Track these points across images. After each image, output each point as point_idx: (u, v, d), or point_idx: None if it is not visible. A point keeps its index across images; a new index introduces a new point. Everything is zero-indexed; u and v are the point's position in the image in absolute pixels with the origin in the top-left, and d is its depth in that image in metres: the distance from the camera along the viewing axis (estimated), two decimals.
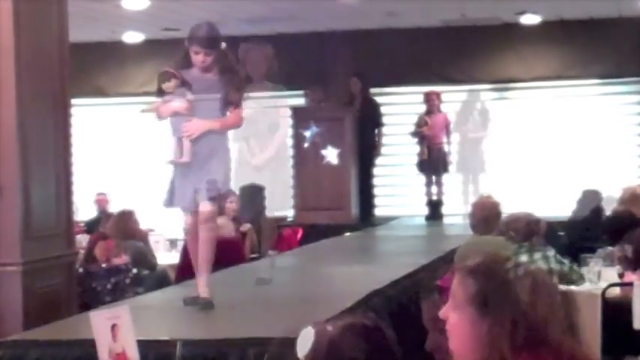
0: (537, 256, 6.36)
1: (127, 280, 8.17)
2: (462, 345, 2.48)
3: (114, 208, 11.80)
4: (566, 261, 6.79)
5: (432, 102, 12.43)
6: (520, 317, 2.43)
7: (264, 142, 14.57)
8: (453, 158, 12.97)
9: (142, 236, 10.04)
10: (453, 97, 13.93)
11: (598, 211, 9.78)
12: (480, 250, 6.40)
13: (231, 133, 5.61)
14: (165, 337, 4.42)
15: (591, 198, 10.18)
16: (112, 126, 14.72)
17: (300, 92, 13.87)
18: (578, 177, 13.10)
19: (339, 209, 12.18)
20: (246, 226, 10.61)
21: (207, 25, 5.33)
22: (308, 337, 2.65)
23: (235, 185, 12.24)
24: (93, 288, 7.83)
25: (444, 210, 12.62)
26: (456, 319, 2.50)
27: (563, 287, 6.82)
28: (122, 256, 8.35)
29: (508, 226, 6.66)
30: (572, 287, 6.85)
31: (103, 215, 11.57)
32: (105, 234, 8.78)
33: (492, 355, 2.42)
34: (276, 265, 6.92)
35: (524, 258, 6.22)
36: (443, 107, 12.75)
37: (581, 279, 6.80)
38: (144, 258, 9.30)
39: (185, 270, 9.21)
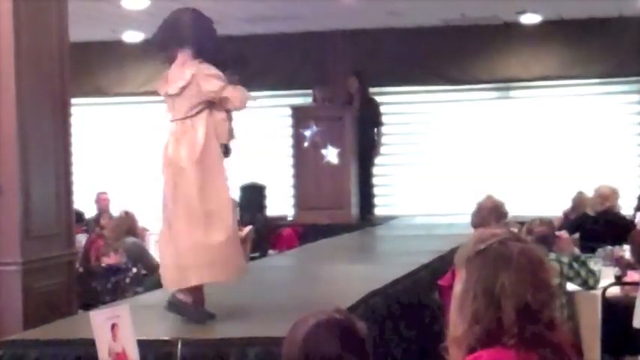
0: (552, 257, 6.39)
1: (127, 280, 8.17)
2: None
3: (114, 207, 11.79)
4: (580, 267, 6.78)
5: None
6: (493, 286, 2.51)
7: None
8: (454, 158, 12.98)
9: (141, 237, 10.03)
10: (453, 97, 13.94)
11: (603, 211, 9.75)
12: None
13: None
14: (166, 337, 4.42)
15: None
16: (111, 125, 14.72)
17: (300, 92, 13.87)
18: (578, 176, 13.10)
19: (339, 209, 12.18)
20: (245, 229, 10.60)
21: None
22: None
23: (234, 185, 12.26)
24: (93, 287, 7.84)
25: (445, 210, 12.62)
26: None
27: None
28: (111, 255, 8.32)
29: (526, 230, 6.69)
30: (572, 287, 6.86)
31: (102, 214, 11.57)
32: (101, 234, 8.78)
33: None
34: None
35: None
36: (443, 107, 12.77)
37: (596, 282, 6.82)
38: (140, 253, 9.26)
39: None
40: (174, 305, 4.83)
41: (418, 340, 5.99)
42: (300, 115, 12.62)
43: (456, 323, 2.54)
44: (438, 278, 6.11)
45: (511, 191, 12.48)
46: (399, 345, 5.53)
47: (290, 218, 13.07)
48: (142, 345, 3.83)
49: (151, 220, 11.37)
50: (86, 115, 13.85)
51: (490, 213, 6.71)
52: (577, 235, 8.86)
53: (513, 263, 2.53)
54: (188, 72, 4.79)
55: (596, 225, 9.24)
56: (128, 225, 9.64)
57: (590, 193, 10.27)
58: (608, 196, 9.48)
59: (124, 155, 14.50)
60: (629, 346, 6.54)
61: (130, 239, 9.34)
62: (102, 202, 12.47)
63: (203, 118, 4.79)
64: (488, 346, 2.48)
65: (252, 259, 9.73)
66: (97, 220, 11.80)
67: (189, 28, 4.90)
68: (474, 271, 2.55)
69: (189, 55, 4.86)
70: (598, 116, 13.51)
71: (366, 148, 12.59)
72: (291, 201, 13.10)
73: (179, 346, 4.14)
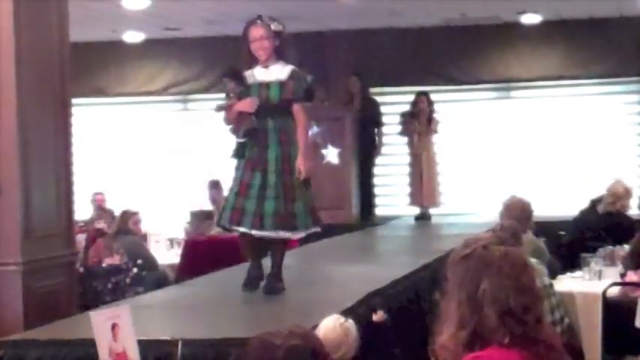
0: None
1: (128, 280, 8.18)
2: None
3: (114, 207, 11.79)
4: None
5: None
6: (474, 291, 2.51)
7: None
8: (454, 158, 12.97)
9: (141, 237, 10.04)
10: (453, 97, 13.93)
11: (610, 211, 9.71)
12: None
13: None
14: (166, 337, 4.42)
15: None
16: (112, 126, 14.72)
17: None
18: (578, 177, 13.11)
19: (340, 209, 12.18)
20: None
21: None
22: None
23: None
24: (93, 287, 7.84)
25: (446, 210, 12.61)
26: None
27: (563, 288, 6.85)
28: (114, 255, 8.33)
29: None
30: (573, 287, 6.87)
31: (101, 214, 11.57)
32: (101, 233, 8.78)
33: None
34: None
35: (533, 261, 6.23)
36: (444, 107, 12.75)
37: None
38: (140, 251, 9.27)
39: (185, 270, 9.23)
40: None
41: (418, 341, 5.98)
42: None
43: (443, 329, 2.54)
44: (438, 278, 6.11)
45: (510, 191, 12.47)
46: (398, 346, 5.52)
47: None
48: (143, 345, 3.83)
49: (150, 221, 11.41)
50: (86, 115, 13.85)
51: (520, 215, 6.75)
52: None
53: (494, 268, 2.52)
54: None
55: (601, 225, 9.18)
56: (127, 224, 9.66)
57: (591, 193, 10.27)
58: (621, 195, 9.38)
59: (124, 155, 14.50)
60: (630, 346, 6.54)
61: (129, 238, 9.35)
62: (98, 202, 12.48)
63: None
64: (474, 350, 2.48)
65: None
66: (96, 220, 11.80)
67: None
68: (458, 277, 2.55)
69: None
70: (598, 116, 13.50)
71: (366, 148, 12.59)
72: None
73: (179, 346, 4.13)
